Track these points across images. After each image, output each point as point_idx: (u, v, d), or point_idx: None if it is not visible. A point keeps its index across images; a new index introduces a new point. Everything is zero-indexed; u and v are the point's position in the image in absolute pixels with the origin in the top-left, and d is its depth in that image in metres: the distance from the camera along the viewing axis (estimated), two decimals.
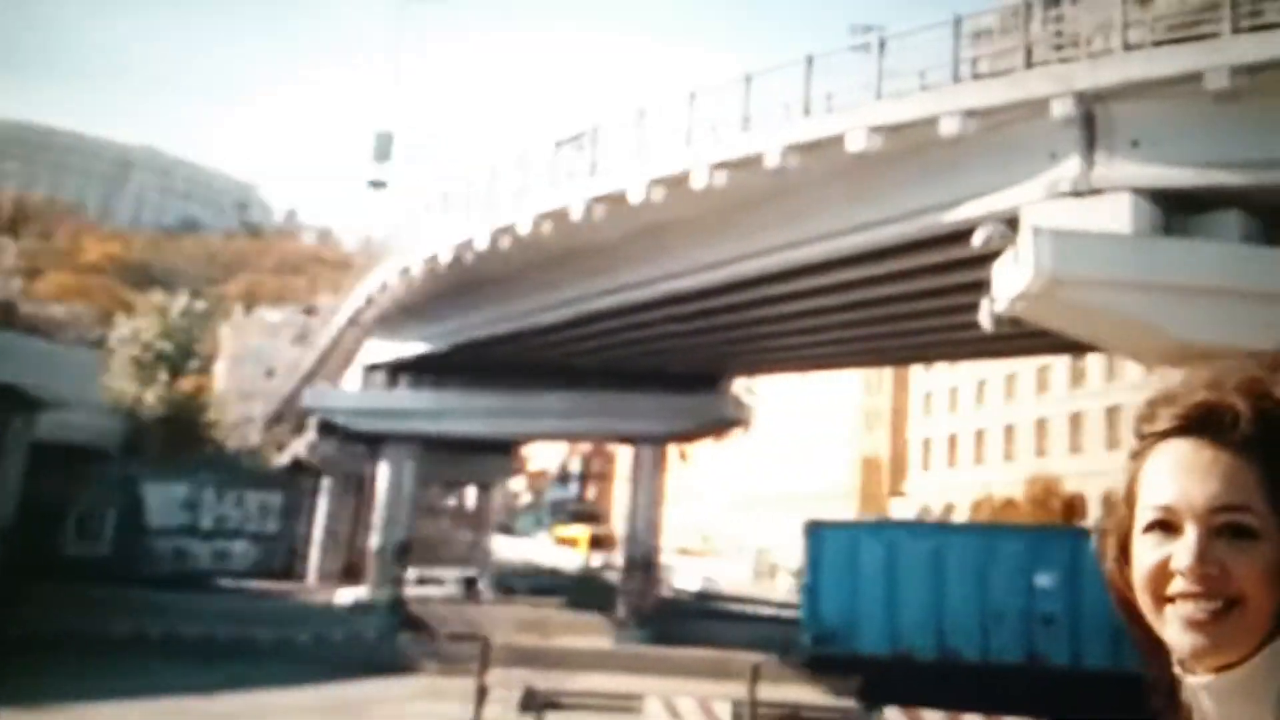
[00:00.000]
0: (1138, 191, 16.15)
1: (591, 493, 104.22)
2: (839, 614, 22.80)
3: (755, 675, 18.48)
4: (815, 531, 24.13)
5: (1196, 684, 1.09)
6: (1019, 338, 23.19)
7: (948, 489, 62.31)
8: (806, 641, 22.93)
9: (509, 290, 29.92)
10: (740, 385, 41.33)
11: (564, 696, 18.49)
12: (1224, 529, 1.07)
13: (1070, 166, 16.84)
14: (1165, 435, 1.13)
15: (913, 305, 24.08)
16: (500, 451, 51.30)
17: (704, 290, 24.77)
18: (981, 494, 55.74)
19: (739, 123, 20.78)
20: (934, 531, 30.27)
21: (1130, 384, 49.97)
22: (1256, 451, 1.08)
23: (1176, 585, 1.08)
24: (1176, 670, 1.11)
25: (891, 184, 19.51)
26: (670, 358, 34.16)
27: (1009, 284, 16.52)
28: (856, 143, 18.56)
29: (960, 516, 56.78)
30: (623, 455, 56.71)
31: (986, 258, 17.44)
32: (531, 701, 18.24)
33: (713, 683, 18.97)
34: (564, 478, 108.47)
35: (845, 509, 63.62)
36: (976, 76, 17.89)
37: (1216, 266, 15.77)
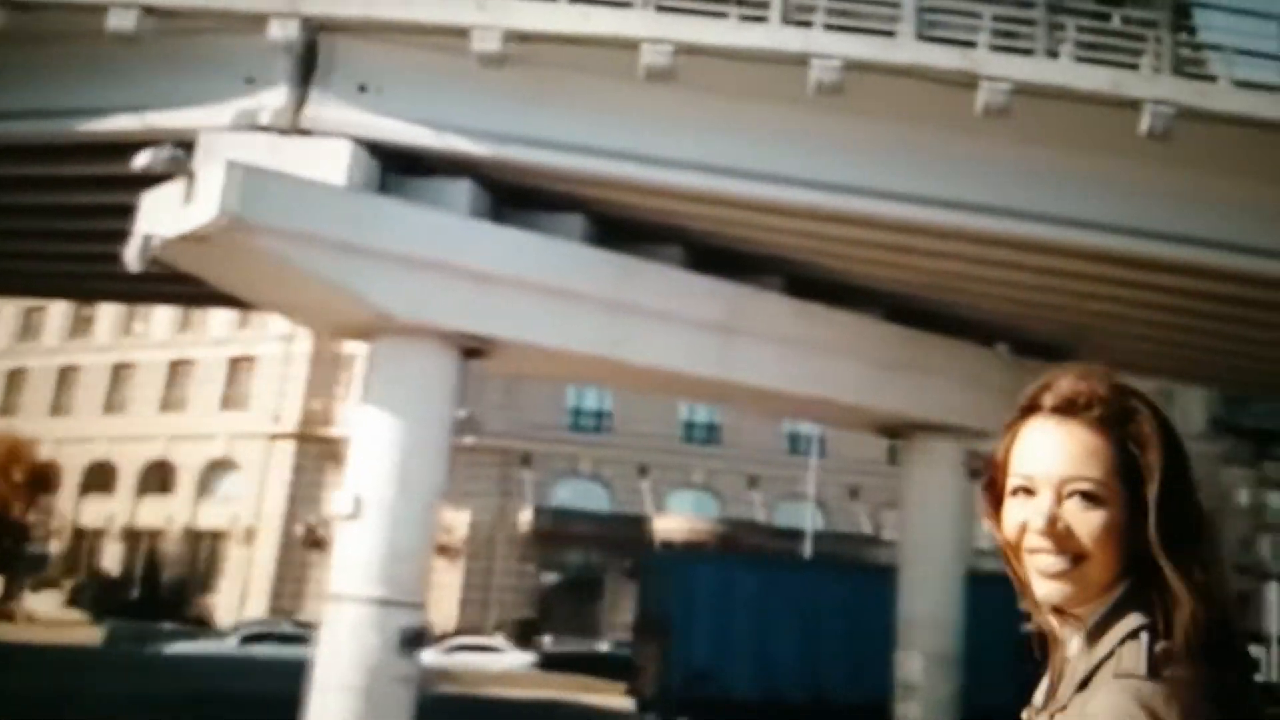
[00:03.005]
0: (359, 142, 14.98)
1: None
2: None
3: None
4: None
5: (1053, 619, 1.48)
6: (159, 281, 20.64)
7: None
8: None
9: None
10: None
11: None
12: (1073, 495, 1.42)
13: (275, 98, 15.49)
14: (1034, 413, 1.49)
15: (54, 224, 20.17)
16: None
17: None
18: None
19: None
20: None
21: (156, 340, 47.96)
22: (1110, 431, 1.43)
23: (1031, 541, 1.45)
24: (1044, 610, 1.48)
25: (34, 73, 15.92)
26: None
27: (174, 220, 14.33)
28: None
29: None
30: None
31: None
32: None
33: None
34: None
35: None
36: None
37: (433, 238, 15.44)
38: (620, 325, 16.66)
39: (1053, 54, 13.37)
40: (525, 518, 43.00)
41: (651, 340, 16.81)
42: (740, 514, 43.40)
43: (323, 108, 15.40)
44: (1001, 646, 18.96)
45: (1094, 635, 1.42)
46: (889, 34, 13.59)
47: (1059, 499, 1.42)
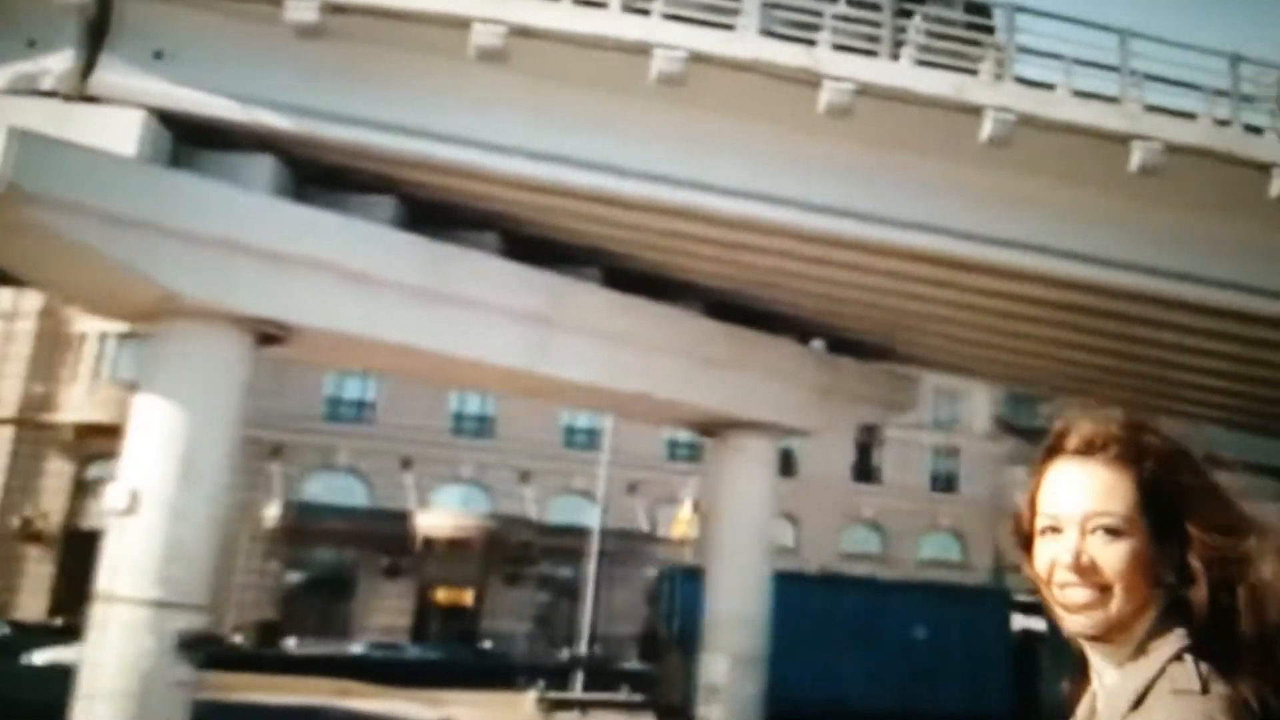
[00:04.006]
0: (153, 112, 14.62)
1: None
2: None
3: None
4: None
5: (1089, 650, 1.68)
6: None
7: None
8: None
9: None
10: None
11: None
12: (1096, 530, 1.62)
13: (60, 61, 14.88)
14: (1057, 456, 1.71)
15: None
16: None
17: None
18: None
19: None
20: None
21: None
22: (1128, 467, 1.64)
23: (1060, 576, 1.64)
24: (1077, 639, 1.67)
25: None
26: None
27: None
28: None
29: None
30: None
31: None
32: None
33: None
34: None
35: None
36: None
37: (230, 216, 15.24)
38: (432, 315, 16.70)
39: (896, 56, 14.27)
40: (272, 513, 41.92)
41: (466, 331, 16.91)
42: (512, 510, 43.60)
43: (113, 74, 14.92)
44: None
45: (1134, 658, 1.60)
46: (730, 27, 14.17)
47: (1083, 535, 1.62)
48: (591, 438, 44.75)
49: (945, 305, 17.59)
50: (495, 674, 33.76)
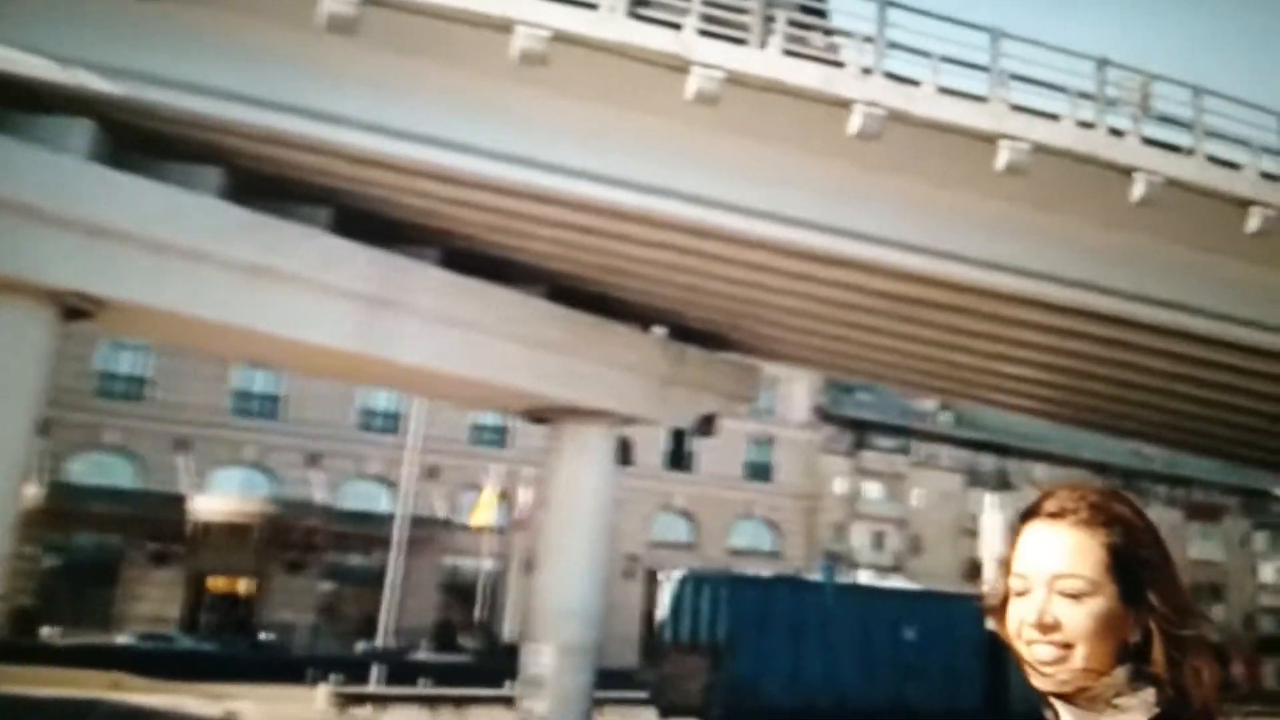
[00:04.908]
0: None
1: None
2: None
3: None
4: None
5: (1060, 709, 1.76)
6: None
7: None
8: None
9: None
10: None
11: None
12: (1061, 591, 1.71)
13: None
14: (1033, 519, 1.79)
15: None
16: None
17: None
18: None
19: None
20: None
21: None
22: (1096, 532, 1.73)
23: (1026, 634, 1.73)
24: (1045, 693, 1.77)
25: None
26: None
27: None
28: None
29: None
30: None
31: None
32: None
33: None
34: None
35: None
36: None
37: (38, 181, 15.13)
38: (256, 291, 16.48)
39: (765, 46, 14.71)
40: (31, 493, 40.15)
41: (293, 310, 16.72)
42: (299, 495, 42.88)
43: None
44: None
45: (1090, 711, 1.73)
46: (594, 7, 14.39)
47: (1050, 594, 1.72)
48: (389, 421, 44.34)
49: (794, 296, 18.22)
50: (277, 667, 33.28)
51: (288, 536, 42.16)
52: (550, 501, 20.99)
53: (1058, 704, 1.76)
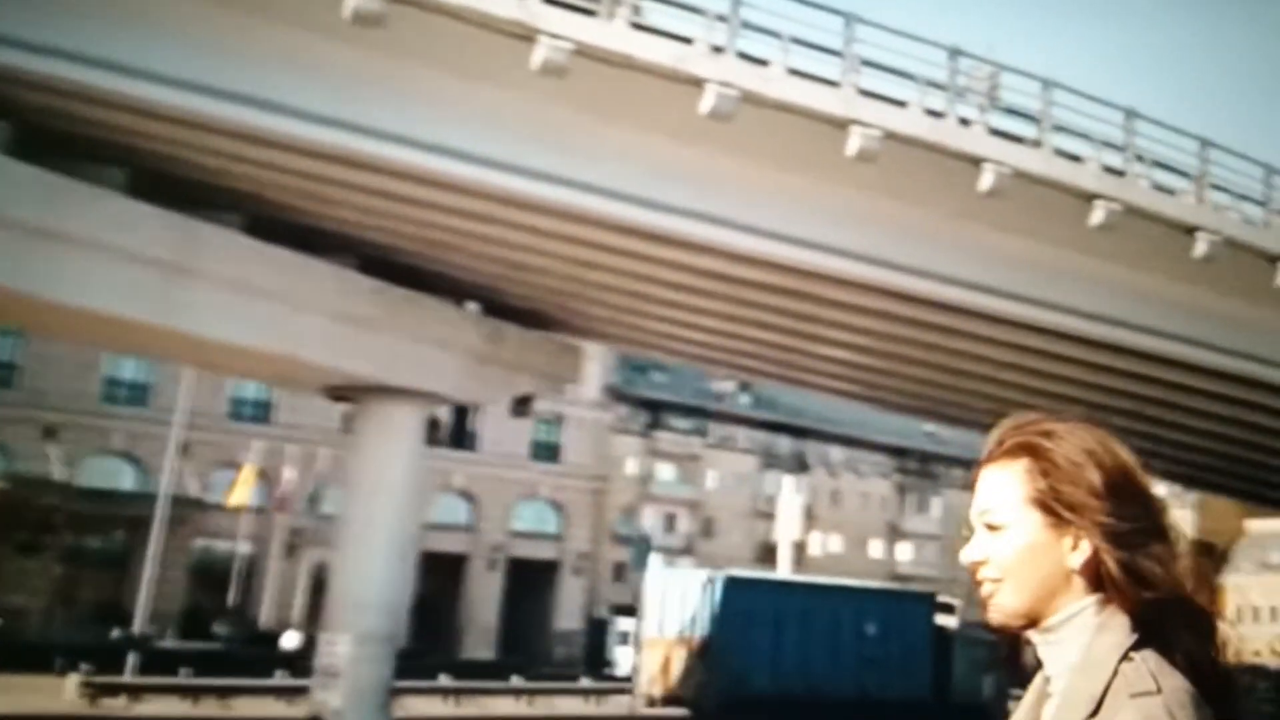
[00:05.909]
0: None
1: None
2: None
3: None
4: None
5: (1035, 644, 1.85)
6: None
7: None
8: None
9: None
10: None
11: None
12: (986, 525, 1.85)
13: None
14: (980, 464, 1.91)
15: None
16: None
17: None
18: None
19: None
20: None
21: None
22: (1014, 463, 1.84)
23: (972, 574, 1.87)
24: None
25: None
26: None
27: None
28: None
29: None
30: None
31: None
32: None
33: None
34: None
35: None
36: None
37: None
38: (41, 255, 15.91)
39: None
40: None
41: (80, 275, 16.18)
42: (35, 470, 41.13)
43: None
44: None
45: (1058, 640, 1.80)
46: None
47: (979, 532, 1.85)
48: (136, 392, 42.95)
49: (623, 276, 18.61)
50: (10, 655, 31.88)
51: (20, 516, 40.42)
52: (351, 484, 20.81)
53: (1035, 644, 1.84)
